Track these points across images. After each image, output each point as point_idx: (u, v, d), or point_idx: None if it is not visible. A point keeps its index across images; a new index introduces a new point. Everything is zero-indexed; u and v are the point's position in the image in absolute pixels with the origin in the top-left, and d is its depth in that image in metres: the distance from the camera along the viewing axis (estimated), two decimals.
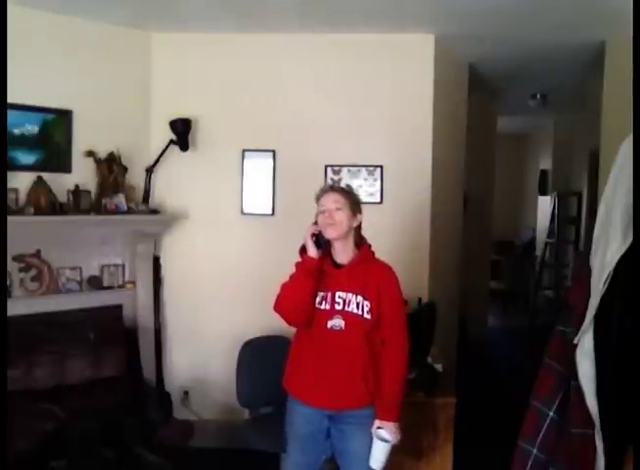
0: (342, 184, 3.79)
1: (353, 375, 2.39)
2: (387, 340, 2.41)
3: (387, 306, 2.41)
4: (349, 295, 2.40)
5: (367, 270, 2.44)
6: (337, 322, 2.39)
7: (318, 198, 2.43)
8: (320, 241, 2.35)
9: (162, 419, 3.24)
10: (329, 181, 3.81)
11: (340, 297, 2.40)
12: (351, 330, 2.38)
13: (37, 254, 3.38)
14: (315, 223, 2.39)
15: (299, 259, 2.42)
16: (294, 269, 2.43)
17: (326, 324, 2.39)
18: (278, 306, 2.45)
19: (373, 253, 2.51)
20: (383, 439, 2.29)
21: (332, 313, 2.39)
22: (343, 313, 2.39)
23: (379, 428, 2.31)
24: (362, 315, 2.38)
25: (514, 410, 2.07)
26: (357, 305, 2.38)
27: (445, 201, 4.23)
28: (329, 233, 2.38)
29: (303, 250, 2.40)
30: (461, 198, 4.90)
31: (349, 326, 2.38)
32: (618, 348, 1.42)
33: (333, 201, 2.39)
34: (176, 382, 3.95)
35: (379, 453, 2.30)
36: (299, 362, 2.50)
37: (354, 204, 2.44)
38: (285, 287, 2.46)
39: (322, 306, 2.41)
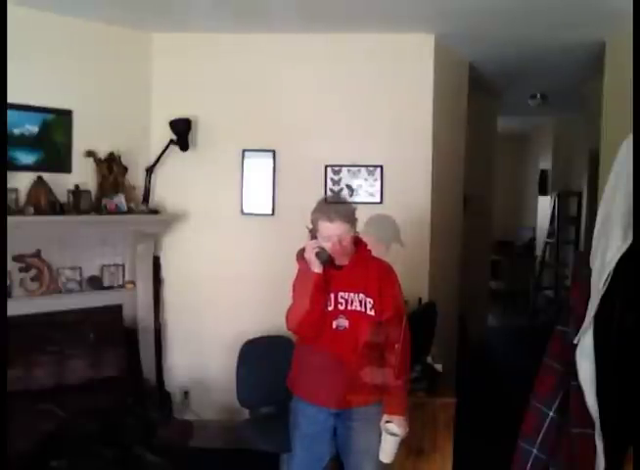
0: (342, 184, 3.82)
1: (360, 373, 2.41)
2: (388, 336, 2.44)
3: (387, 303, 2.43)
4: (351, 294, 2.43)
5: (367, 269, 2.47)
6: (341, 322, 2.42)
7: (316, 221, 2.43)
8: (323, 256, 2.36)
9: (163, 419, 3.24)
10: (329, 181, 3.81)
11: (342, 297, 2.43)
12: (356, 328, 2.41)
13: (37, 254, 3.38)
14: (314, 238, 2.41)
15: (297, 266, 2.47)
16: (296, 274, 2.47)
17: (331, 325, 2.43)
18: (294, 326, 2.48)
19: (370, 251, 2.54)
20: (392, 433, 2.31)
21: (336, 314, 2.43)
22: (347, 313, 2.42)
23: (387, 422, 2.33)
24: (365, 312, 2.41)
25: (514, 410, 2.07)
26: (360, 302, 2.42)
27: (445, 200, 4.23)
28: (341, 261, 2.43)
29: (301, 255, 2.44)
30: (461, 198, 4.90)
31: (353, 324, 2.41)
32: (618, 348, 1.41)
33: (337, 232, 2.39)
34: (176, 382, 3.95)
35: (389, 447, 2.33)
36: (305, 362, 2.52)
37: (353, 220, 2.46)
38: (296, 307, 2.48)
39: (326, 308, 2.43)
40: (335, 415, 2.45)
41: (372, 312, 2.41)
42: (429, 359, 2.97)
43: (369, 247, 2.54)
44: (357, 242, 2.51)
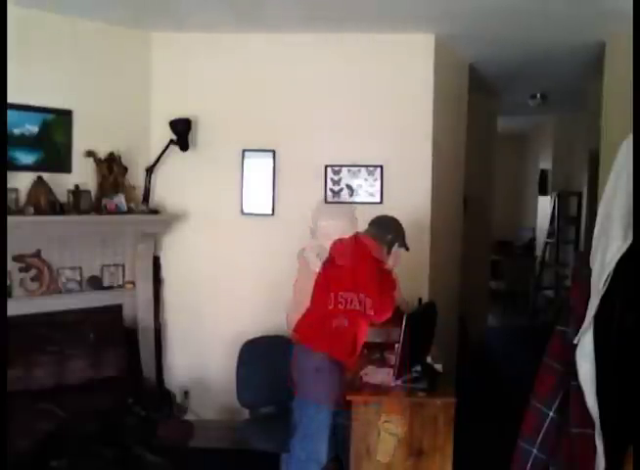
0: (342, 184, 3.82)
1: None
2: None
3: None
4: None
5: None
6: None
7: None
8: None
9: (163, 418, 3.23)
10: (329, 181, 3.81)
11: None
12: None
13: (37, 254, 3.38)
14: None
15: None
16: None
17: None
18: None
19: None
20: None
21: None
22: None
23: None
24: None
25: (514, 410, 2.07)
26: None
27: (445, 201, 4.23)
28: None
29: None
30: (461, 198, 4.90)
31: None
32: (618, 348, 1.41)
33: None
34: (176, 382, 3.95)
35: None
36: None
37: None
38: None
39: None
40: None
41: (371, 312, 2.42)
42: (429, 359, 2.97)
43: (370, 247, 2.55)
44: (358, 242, 2.52)
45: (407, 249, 2.85)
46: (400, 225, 2.85)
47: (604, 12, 3.30)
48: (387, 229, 2.72)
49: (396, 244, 2.72)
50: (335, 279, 2.56)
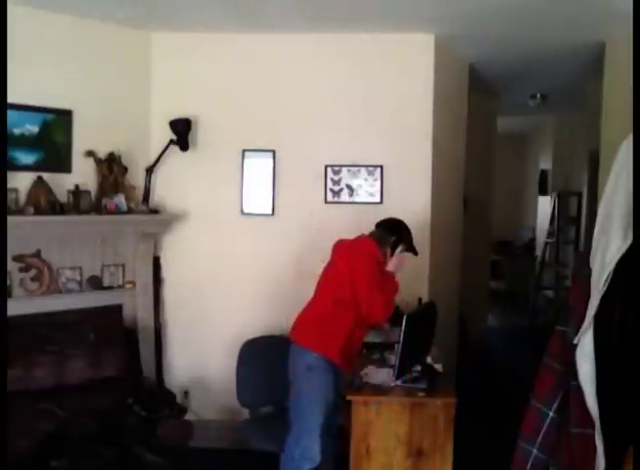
0: (342, 184, 3.82)
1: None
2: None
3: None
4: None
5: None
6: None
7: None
8: None
9: (164, 418, 3.23)
10: (329, 181, 3.81)
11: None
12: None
13: (37, 254, 3.38)
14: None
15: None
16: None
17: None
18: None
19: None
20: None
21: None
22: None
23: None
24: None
25: (514, 410, 2.07)
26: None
27: (445, 201, 4.23)
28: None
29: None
30: (461, 198, 4.90)
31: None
32: (619, 348, 1.42)
33: None
34: (176, 382, 3.95)
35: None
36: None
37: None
38: None
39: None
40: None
41: (370, 313, 2.43)
42: (429, 359, 2.97)
43: (371, 248, 2.55)
44: (360, 243, 2.52)
45: (415, 253, 2.82)
46: (406, 228, 2.81)
47: (604, 12, 3.30)
48: (390, 231, 2.71)
49: (400, 247, 2.71)
50: (334, 279, 2.57)
